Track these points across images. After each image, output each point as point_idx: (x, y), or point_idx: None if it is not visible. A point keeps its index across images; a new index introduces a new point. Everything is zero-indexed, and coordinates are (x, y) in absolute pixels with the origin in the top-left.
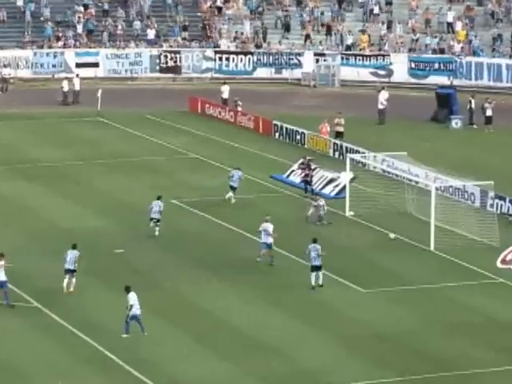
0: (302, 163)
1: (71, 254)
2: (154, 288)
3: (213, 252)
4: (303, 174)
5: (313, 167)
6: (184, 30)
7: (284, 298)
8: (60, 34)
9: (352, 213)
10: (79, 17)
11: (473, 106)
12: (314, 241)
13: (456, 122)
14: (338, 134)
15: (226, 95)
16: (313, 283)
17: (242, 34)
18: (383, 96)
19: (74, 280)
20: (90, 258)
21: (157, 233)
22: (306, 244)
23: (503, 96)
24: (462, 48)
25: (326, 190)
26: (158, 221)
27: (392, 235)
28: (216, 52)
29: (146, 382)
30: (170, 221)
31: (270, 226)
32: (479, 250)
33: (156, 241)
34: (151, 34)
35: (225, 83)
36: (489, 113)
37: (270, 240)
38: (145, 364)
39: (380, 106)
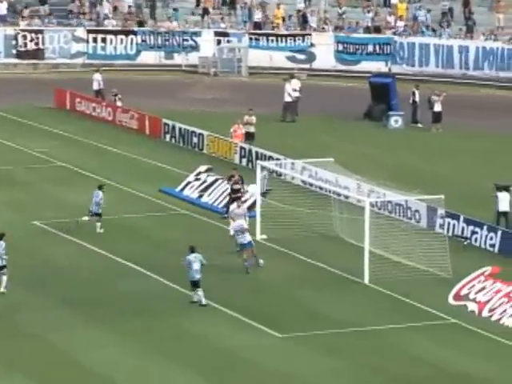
0: (232, 177)
1: None
2: (13, 336)
3: (86, 289)
4: (231, 189)
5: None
6: (45, 3)
7: (177, 347)
8: None
9: (264, 236)
10: None
11: (417, 99)
12: (192, 250)
13: (396, 120)
14: (249, 136)
15: (99, 86)
16: (195, 299)
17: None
18: (294, 85)
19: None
20: None
21: (98, 229)
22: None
23: (455, 86)
24: (404, 26)
25: (231, 208)
26: (96, 215)
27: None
28: (89, 31)
29: None
30: (30, 248)
31: (242, 222)
32: (426, 282)
33: (14, 275)
34: (2, 7)
35: (98, 71)
36: (437, 108)
37: (248, 238)
38: None
39: (287, 99)
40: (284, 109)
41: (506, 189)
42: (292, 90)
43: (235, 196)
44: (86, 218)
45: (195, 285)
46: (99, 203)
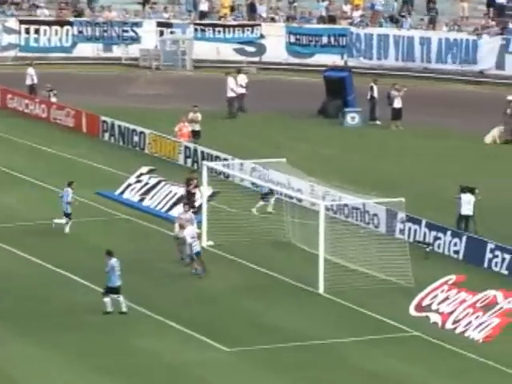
0: (190, 180)
1: None
2: None
3: (18, 299)
4: (188, 193)
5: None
6: None
7: (117, 362)
8: None
9: (211, 242)
10: None
11: (375, 94)
12: (110, 253)
13: (352, 117)
14: (194, 134)
15: (32, 81)
16: (108, 309)
17: None
18: (240, 81)
19: None
20: None
21: (67, 230)
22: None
23: (416, 81)
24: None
25: (175, 212)
26: (66, 215)
27: None
28: (21, 22)
29: None
30: None
31: (194, 228)
32: (386, 292)
33: None
34: None
35: (31, 65)
36: (397, 104)
37: (197, 248)
38: None
39: (230, 94)
40: (228, 105)
41: (471, 191)
42: (238, 85)
43: (191, 200)
44: (61, 221)
45: (116, 291)
46: (70, 202)
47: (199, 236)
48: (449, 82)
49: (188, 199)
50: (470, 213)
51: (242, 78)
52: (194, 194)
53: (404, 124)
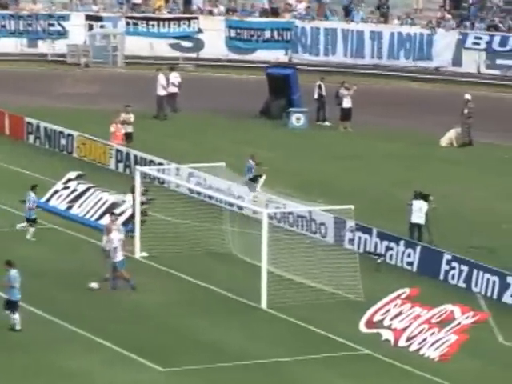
0: (145, 192)
1: None
2: None
3: None
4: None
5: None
6: None
7: None
8: None
9: (144, 254)
10: None
11: (323, 93)
12: (9, 264)
13: (298, 118)
14: (126, 137)
15: None
16: (17, 327)
17: None
18: (172, 79)
19: None
20: None
21: (28, 236)
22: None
23: (366, 78)
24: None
25: (105, 221)
26: (29, 220)
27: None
28: None
29: None
30: None
31: (120, 238)
32: (334, 307)
33: None
34: None
35: None
36: (346, 104)
37: (119, 257)
38: None
39: (161, 92)
40: (157, 104)
41: (424, 197)
42: (170, 83)
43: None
44: (22, 225)
45: (14, 306)
46: (32, 207)
47: (127, 244)
48: (402, 80)
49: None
50: (421, 221)
51: (175, 76)
52: (142, 202)
53: (353, 125)
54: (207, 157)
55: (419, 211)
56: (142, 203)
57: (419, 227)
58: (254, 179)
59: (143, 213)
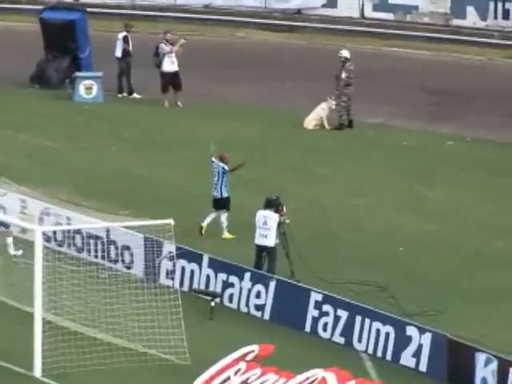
0: None
1: None
2: None
3: None
4: None
5: None
6: None
7: None
8: None
9: None
10: None
11: (130, 48)
12: None
13: (88, 87)
14: None
15: None
16: None
17: None
18: None
19: None
20: None
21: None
22: None
23: (196, 27)
24: None
25: None
26: None
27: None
28: None
29: None
30: None
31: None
32: (144, 373)
33: None
34: None
35: None
36: (169, 66)
37: None
38: None
39: None
40: None
41: (272, 206)
42: None
43: None
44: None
45: None
46: None
47: None
48: (243, 27)
49: None
50: (268, 242)
51: None
52: None
53: (186, 97)
54: None
55: (264, 227)
56: None
57: (269, 252)
58: None
59: None
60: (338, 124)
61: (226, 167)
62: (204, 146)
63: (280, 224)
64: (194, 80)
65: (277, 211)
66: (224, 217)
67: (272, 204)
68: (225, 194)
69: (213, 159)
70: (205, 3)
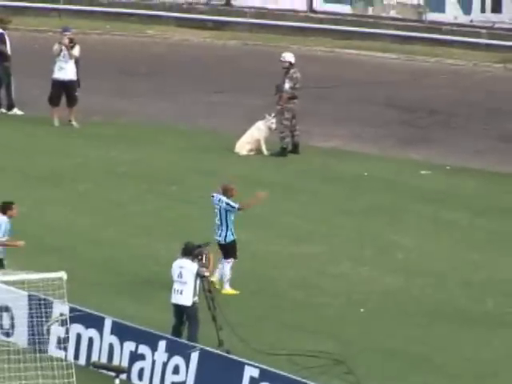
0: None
1: None
2: None
3: None
4: None
5: None
6: None
7: None
8: None
9: None
10: None
11: (8, 50)
12: None
13: None
14: None
15: None
16: None
17: None
18: None
19: None
20: None
21: None
22: None
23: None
24: None
25: None
26: None
27: None
28: None
29: None
30: None
31: None
32: None
33: None
34: None
35: None
36: (62, 73)
37: None
38: None
39: None
40: None
41: (188, 252)
42: None
43: None
44: None
45: None
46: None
47: None
48: (156, 23)
49: None
50: (183, 300)
51: None
52: None
53: (81, 115)
54: None
55: (179, 280)
56: None
57: (187, 313)
58: None
59: None
60: (280, 149)
61: (232, 203)
62: (103, 177)
63: (201, 278)
64: (94, 92)
65: (198, 260)
66: (228, 267)
67: (190, 251)
68: (229, 238)
69: (213, 193)
70: None
